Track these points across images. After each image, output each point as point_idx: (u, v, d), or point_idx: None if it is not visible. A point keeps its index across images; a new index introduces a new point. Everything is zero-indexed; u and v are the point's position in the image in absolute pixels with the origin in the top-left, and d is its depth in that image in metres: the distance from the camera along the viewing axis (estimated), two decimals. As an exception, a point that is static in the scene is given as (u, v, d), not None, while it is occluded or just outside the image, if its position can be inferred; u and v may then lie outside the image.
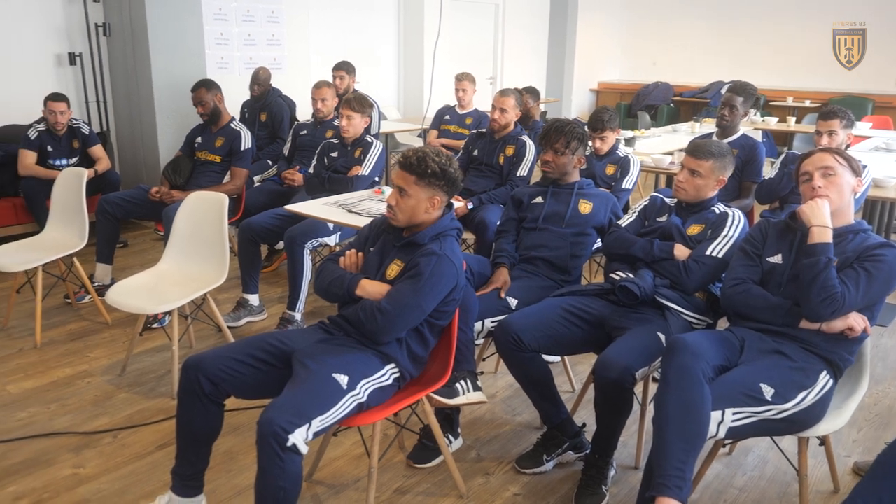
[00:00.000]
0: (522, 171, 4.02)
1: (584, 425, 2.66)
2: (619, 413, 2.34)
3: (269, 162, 5.32)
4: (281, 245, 4.66)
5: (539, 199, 3.04)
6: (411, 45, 8.51)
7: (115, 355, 3.45)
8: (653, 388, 2.49)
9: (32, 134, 4.76)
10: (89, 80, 5.71)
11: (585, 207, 2.98)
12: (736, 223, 2.61)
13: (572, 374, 3.25)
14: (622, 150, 4.05)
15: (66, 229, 3.83)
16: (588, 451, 2.51)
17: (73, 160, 4.89)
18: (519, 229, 3.09)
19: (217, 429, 2.20)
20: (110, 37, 5.69)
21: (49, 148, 4.79)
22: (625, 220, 2.87)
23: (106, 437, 2.75)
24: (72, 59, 5.57)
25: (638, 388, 2.41)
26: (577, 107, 11.25)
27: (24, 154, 4.72)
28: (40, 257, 3.54)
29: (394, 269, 2.26)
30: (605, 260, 2.93)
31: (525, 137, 4.10)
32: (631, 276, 2.61)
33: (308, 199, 3.85)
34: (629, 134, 5.83)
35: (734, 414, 2.00)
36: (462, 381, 2.47)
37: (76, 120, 4.96)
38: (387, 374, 2.20)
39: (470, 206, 3.88)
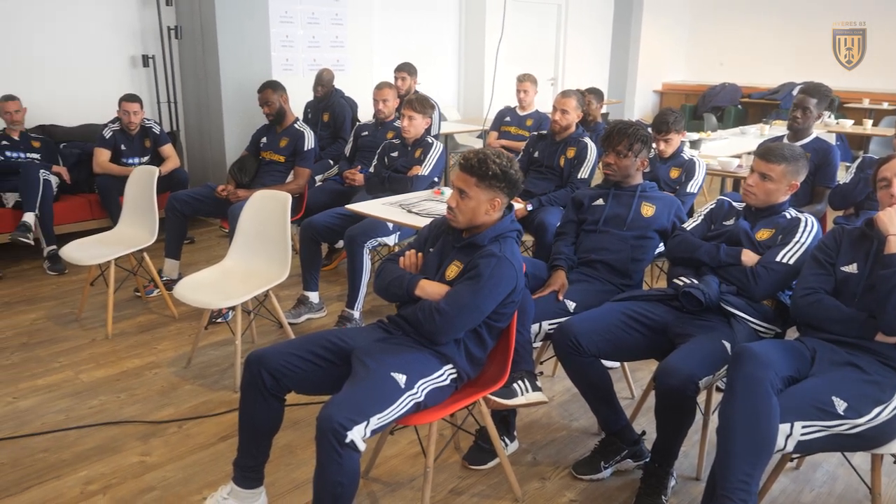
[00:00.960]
0: (583, 173, 3.97)
1: (643, 433, 2.61)
2: (680, 422, 2.28)
3: (331, 162, 5.40)
4: (341, 244, 4.74)
5: (600, 202, 3.00)
6: (472, 46, 8.51)
7: (181, 348, 3.56)
8: (716, 397, 2.42)
9: (107, 133, 4.95)
10: (161, 81, 5.91)
11: (648, 210, 2.92)
12: (809, 229, 2.51)
13: (632, 380, 3.19)
14: (687, 152, 3.96)
15: (137, 225, 3.98)
16: (647, 460, 2.45)
17: (145, 159, 5.06)
18: (578, 232, 3.05)
19: (277, 423, 2.24)
20: (181, 39, 5.88)
21: (122, 147, 4.97)
22: (690, 224, 2.80)
23: (171, 427, 2.84)
24: (145, 61, 5.78)
25: (701, 398, 2.34)
26: (640, 108, 11.06)
27: (98, 152, 4.92)
28: (113, 252, 3.69)
29: (453, 270, 2.26)
30: (667, 264, 2.86)
31: (586, 139, 4.04)
32: (695, 281, 2.54)
33: (368, 198, 3.89)
34: (695, 136, 5.69)
35: (804, 427, 1.92)
36: (520, 382, 2.45)
37: (148, 120, 5.14)
38: (444, 375, 2.20)
39: (529, 207, 3.86)
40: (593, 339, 2.43)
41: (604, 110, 6.80)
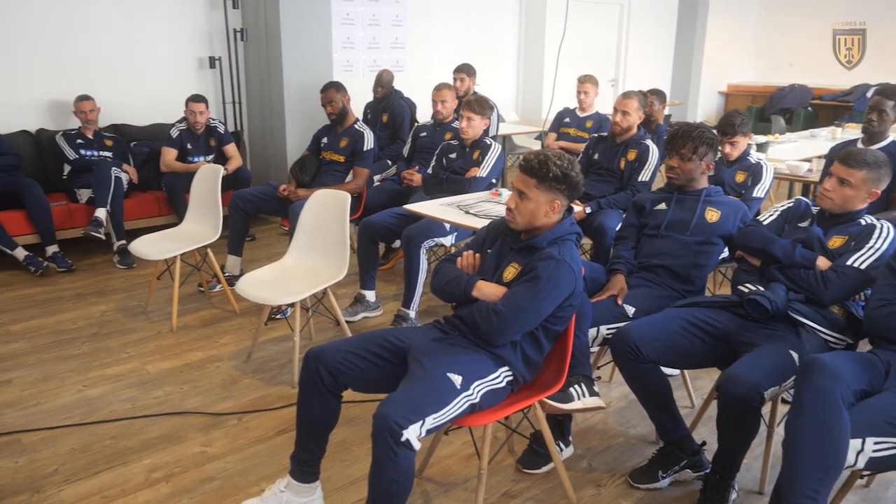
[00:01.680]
0: (644, 176, 3.90)
1: (703, 443, 2.54)
2: (743, 433, 2.21)
3: (389, 162, 5.45)
4: (398, 243, 4.77)
5: (662, 206, 2.93)
6: (532, 46, 8.47)
7: (242, 342, 3.64)
8: (782, 409, 2.34)
9: (174, 133, 5.11)
10: (227, 82, 6.07)
11: (712, 216, 2.84)
12: (885, 236, 2.40)
13: (692, 388, 3.11)
14: (754, 156, 3.83)
15: (202, 222, 4.09)
16: (708, 471, 2.39)
17: (210, 157, 5.21)
18: (639, 236, 2.99)
19: (334, 419, 2.27)
20: (247, 41, 6.03)
21: (188, 146, 5.13)
22: (765, 217, 2.71)
23: (231, 420, 2.91)
24: (212, 62, 5.95)
25: (765, 409, 2.27)
26: (703, 110, 10.79)
27: (165, 151, 5.08)
28: (179, 247, 3.80)
29: (511, 272, 2.24)
30: (731, 271, 2.78)
31: (648, 141, 3.97)
32: (761, 289, 2.46)
33: (426, 199, 3.91)
34: (762, 139, 5.52)
35: (876, 444, 1.84)
36: (577, 386, 2.42)
37: (213, 120, 5.28)
38: (500, 377, 2.19)
39: (588, 210, 3.81)
40: (653, 345, 2.38)
41: (666, 112, 6.66)
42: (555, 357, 2.34)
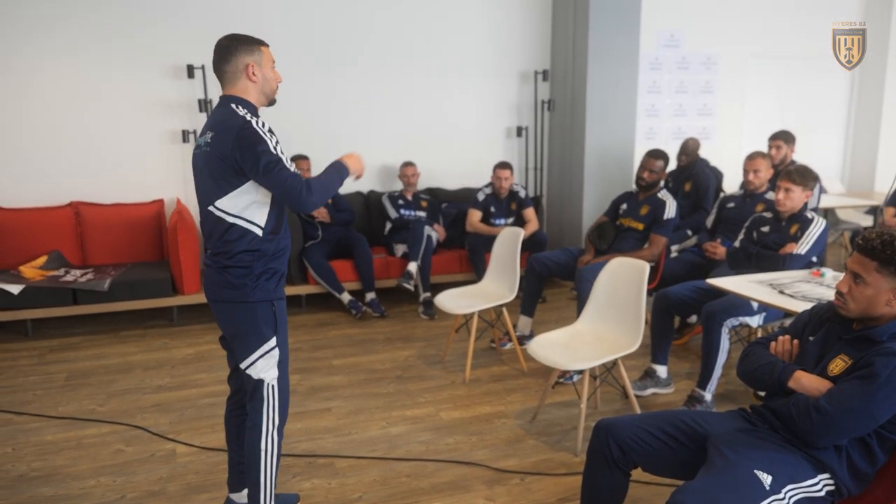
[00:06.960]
0: None
1: None
2: None
3: (689, 232, 5.21)
4: (693, 318, 4.51)
5: None
6: (866, 111, 7.55)
7: (528, 402, 3.69)
8: None
9: (480, 196, 5.49)
10: (531, 149, 6.39)
11: None
12: None
13: None
14: None
15: (499, 281, 4.30)
16: None
17: (510, 220, 5.49)
18: None
19: (620, 496, 2.17)
20: (553, 111, 6.30)
21: (492, 209, 5.46)
22: None
23: (514, 478, 2.94)
24: (519, 131, 6.32)
25: None
26: None
27: (472, 213, 5.47)
28: (477, 304, 4.03)
29: (838, 365, 1.97)
30: None
31: None
32: None
33: (730, 273, 3.65)
34: None
35: None
36: (919, 516, 2.00)
37: (516, 185, 5.57)
38: (819, 485, 1.91)
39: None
40: None
41: None
42: (890, 471, 1.97)
